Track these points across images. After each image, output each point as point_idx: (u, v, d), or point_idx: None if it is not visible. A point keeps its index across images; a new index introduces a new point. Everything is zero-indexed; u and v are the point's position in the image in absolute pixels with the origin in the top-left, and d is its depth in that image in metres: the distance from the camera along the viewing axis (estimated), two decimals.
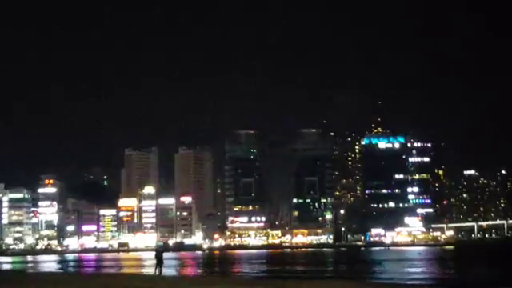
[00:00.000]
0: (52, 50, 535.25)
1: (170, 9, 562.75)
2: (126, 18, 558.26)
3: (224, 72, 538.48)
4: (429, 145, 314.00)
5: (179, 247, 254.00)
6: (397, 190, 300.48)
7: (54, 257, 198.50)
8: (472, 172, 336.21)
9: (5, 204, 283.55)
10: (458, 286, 56.02)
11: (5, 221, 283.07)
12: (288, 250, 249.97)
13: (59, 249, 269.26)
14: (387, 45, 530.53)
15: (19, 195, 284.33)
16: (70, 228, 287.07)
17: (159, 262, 57.58)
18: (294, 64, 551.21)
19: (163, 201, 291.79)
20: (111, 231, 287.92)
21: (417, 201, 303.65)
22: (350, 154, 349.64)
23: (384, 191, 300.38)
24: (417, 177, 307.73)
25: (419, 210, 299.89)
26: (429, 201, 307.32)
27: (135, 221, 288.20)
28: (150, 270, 75.41)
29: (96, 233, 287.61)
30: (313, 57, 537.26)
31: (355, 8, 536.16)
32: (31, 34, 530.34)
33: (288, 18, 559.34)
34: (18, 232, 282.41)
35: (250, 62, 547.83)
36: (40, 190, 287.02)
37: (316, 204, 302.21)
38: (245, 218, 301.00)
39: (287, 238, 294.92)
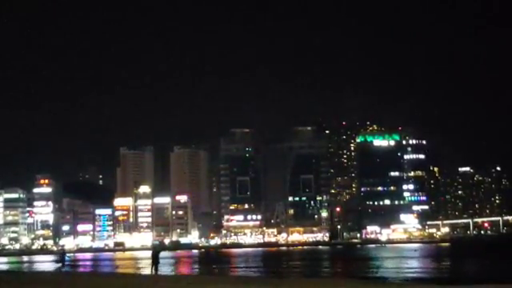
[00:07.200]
0: (49, 49, 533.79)
1: (171, 9, 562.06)
2: (125, 17, 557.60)
3: (220, 72, 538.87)
4: (424, 142, 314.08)
5: (175, 246, 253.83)
6: (392, 188, 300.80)
7: (50, 257, 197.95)
8: (467, 169, 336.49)
9: (0, 204, 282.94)
10: (454, 282, 56.04)
11: (0, 221, 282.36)
12: (284, 248, 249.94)
13: (55, 249, 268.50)
14: (382, 43, 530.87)
15: (14, 195, 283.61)
16: (66, 228, 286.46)
17: (155, 261, 57.47)
18: (290, 63, 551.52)
19: (159, 200, 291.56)
20: (107, 231, 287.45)
21: (412, 198, 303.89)
22: (345, 151, 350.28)
23: (379, 189, 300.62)
24: (412, 174, 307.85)
25: (415, 207, 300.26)
26: (424, 198, 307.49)
27: (131, 220, 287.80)
28: (146, 270, 75.40)
29: (92, 232, 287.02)
30: (309, 55, 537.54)
31: (351, 7, 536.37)
32: (29, 32, 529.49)
33: (287, 18, 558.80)
34: (13, 232, 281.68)
35: (247, 61, 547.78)
36: (35, 190, 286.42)
37: (312, 202, 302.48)
38: (240, 217, 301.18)
39: (283, 236, 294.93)
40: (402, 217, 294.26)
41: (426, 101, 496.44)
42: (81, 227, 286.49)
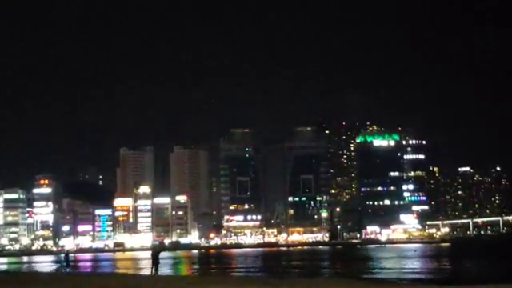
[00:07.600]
0: (48, 48, 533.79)
1: (171, 9, 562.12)
2: (125, 17, 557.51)
3: (221, 72, 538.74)
4: (424, 142, 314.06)
5: (175, 246, 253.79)
6: (392, 188, 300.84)
7: (50, 257, 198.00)
8: (467, 169, 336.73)
9: (0, 204, 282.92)
10: (454, 282, 56.04)
11: (0, 221, 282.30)
12: (284, 248, 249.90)
13: (55, 249, 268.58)
14: (382, 42, 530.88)
15: (14, 196, 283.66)
16: (66, 228, 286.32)
17: (155, 261, 57.43)
18: (290, 63, 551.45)
19: (159, 200, 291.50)
20: (107, 231, 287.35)
21: (412, 198, 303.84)
22: (345, 151, 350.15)
23: (379, 189, 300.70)
24: (412, 174, 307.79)
25: (414, 208, 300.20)
26: (424, 198, 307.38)
27: (131, 220, 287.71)
28: (146, 270, 75.34)
29: (91, 233, 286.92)
30: (308, 55, 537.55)
31: (352, 7, 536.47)
32: (29, 33, 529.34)
33: (287, 18, 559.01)
34: (13, 233, 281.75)
35: (248, 61, 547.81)
36: (35, 191, 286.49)
37: (311, 202, 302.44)
38: (240, 217, 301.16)
39: (283, 236, 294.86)
40: (402, 217, 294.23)
41: (426, 101, 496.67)
42: (81, 227, 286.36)
